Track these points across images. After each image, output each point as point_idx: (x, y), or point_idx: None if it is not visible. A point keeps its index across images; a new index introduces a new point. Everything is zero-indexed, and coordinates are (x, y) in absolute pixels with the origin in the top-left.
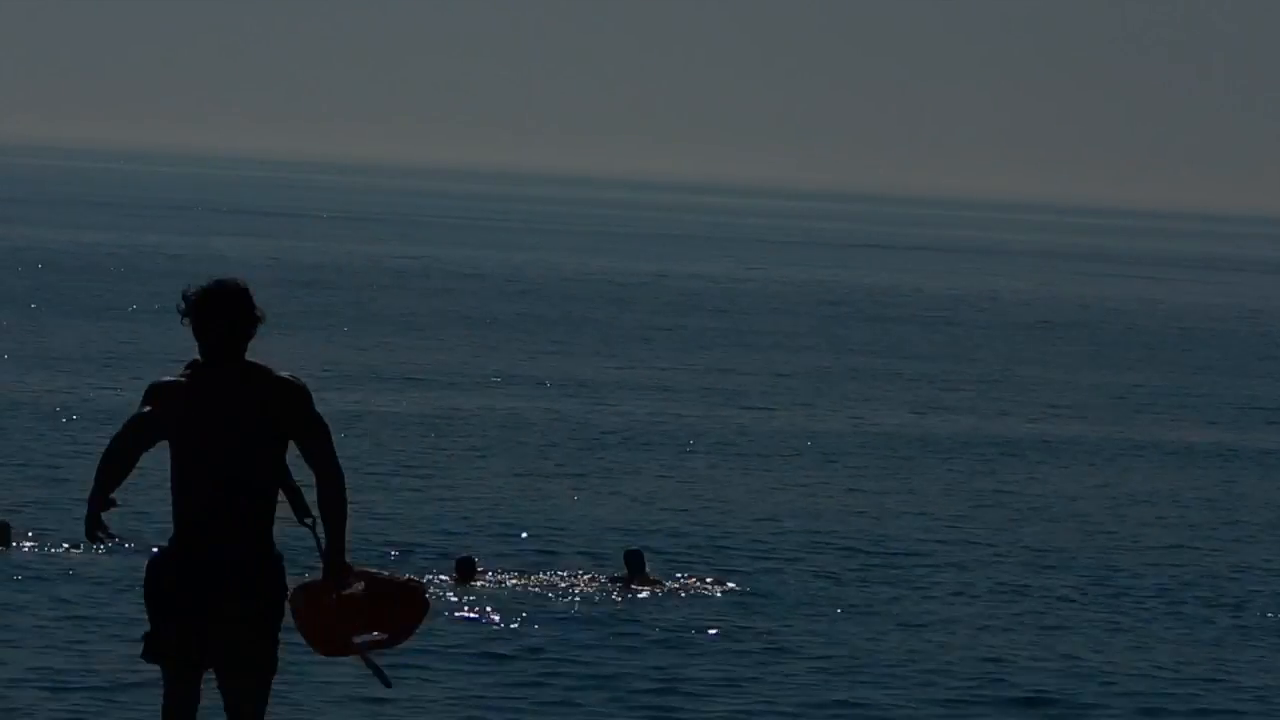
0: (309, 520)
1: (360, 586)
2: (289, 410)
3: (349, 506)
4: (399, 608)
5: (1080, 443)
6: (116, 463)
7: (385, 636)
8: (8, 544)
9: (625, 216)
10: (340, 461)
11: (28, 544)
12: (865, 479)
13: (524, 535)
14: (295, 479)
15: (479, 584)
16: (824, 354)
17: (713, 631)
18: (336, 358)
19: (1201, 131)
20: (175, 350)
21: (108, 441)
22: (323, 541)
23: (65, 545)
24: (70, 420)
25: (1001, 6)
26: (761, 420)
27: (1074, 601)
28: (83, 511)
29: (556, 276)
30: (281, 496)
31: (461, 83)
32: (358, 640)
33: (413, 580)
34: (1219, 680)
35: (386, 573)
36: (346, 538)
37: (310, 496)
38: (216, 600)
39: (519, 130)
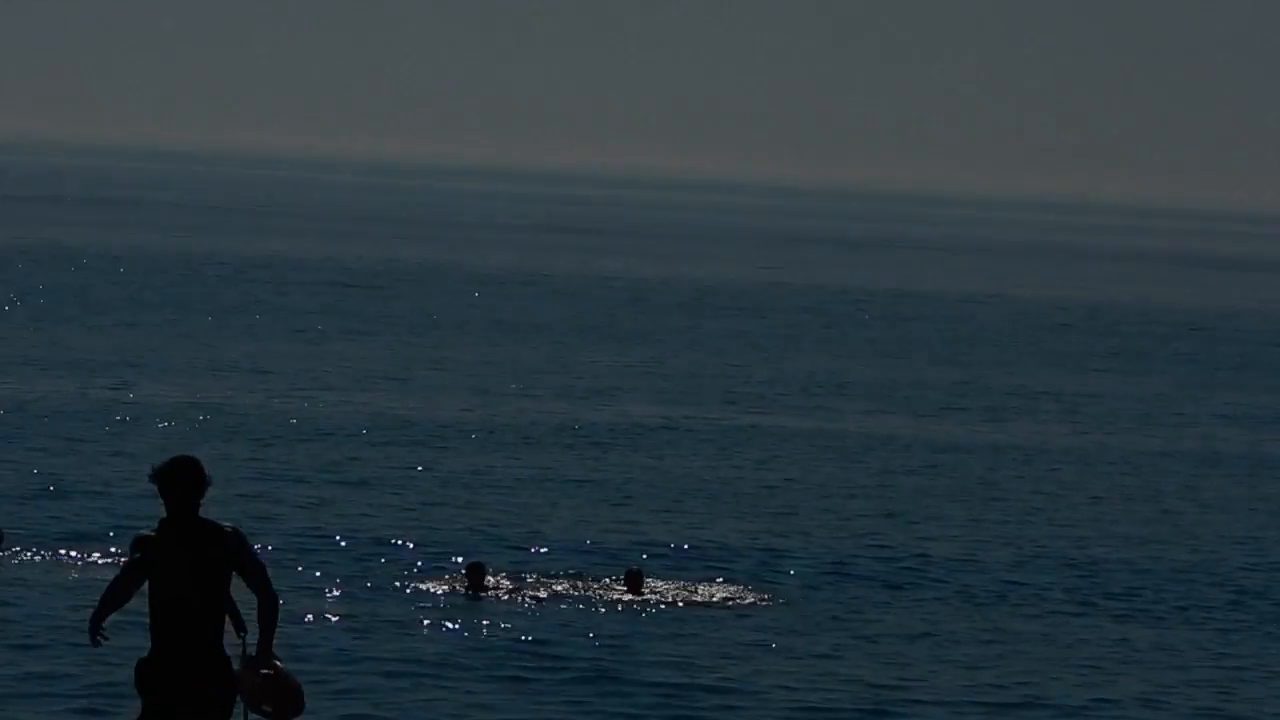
0: (243, 634)
1: (272, 672)
2: (235, 554)
3: (278, 616)
4: (287, 703)
5: (1098, 446)
6: (118, 595)
7: (271, 711)
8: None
9: (622, 215)
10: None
11: (20, 547)
12: (881, 481)
13: (535, 541)
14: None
15: (489, 589)
16: (837, 355)
17: (721, 639)
18: (356, 358)
19: (1206, 127)
20: (174, 352)
21: (111, 579)
22: (248, 645)
23: (57, 549)
24: (66, 423)
25: (1002, 4)
26: (778, 422)
27: (1093, 606)
28: (77, 513)
29: (567, 277)
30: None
31: (462, 80)
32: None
33: (297, 690)
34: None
35: (289, 675)
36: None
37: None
38: (191, 692)
39: (509, 126)
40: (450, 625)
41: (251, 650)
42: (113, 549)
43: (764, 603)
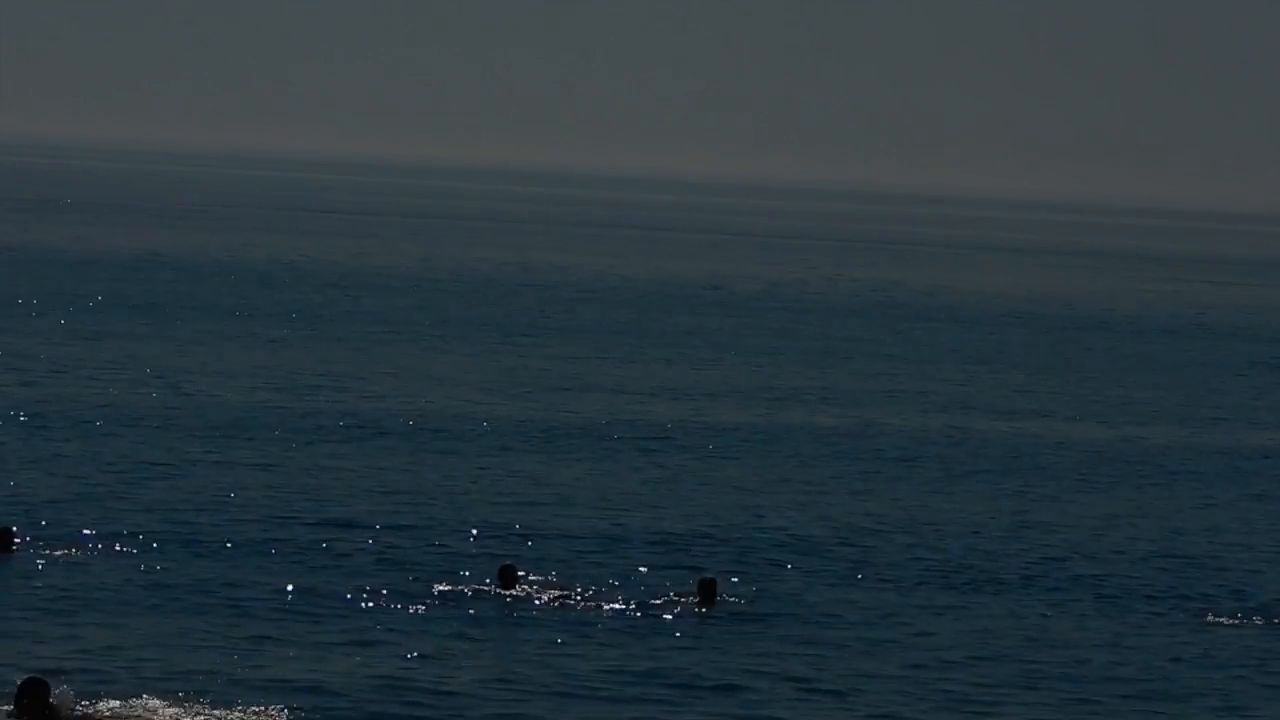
0: None
1: None
2: None
3: None
4: None
5: (1114, 447)
6: None
7: None
8: (10, 548)
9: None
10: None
11: (30, 548)
12: (915, 485)
13: (566, 543)
14: None
15: (520, 591)
16: (856, 356)
17: (754, 650)
18: (394, 361)
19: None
20: (182, 354)
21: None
22: None
23: (67, 549)
24: (75, 424)
25: (1004, 4)
26: (809, 423)
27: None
28: (89, 516)
29: (581, 278)
30: None
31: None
32: None
33: None
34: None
35: None
36: None
37: None
38: None
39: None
40: (480, 625)
41: None
42: (118, 549)
43: (790, 603)
